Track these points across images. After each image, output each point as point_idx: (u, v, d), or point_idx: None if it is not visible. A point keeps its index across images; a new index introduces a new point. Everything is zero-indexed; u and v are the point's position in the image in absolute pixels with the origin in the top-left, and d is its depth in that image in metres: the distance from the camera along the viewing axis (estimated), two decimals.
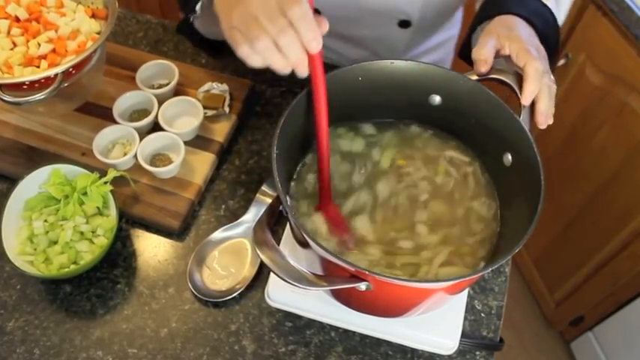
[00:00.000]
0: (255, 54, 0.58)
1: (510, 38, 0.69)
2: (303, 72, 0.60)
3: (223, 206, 0.88)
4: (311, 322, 0.78)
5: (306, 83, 0.67)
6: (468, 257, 0.69)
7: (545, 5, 0.75)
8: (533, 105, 0.68)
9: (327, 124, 0.66)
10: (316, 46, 0.58)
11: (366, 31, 0.95)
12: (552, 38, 0.76)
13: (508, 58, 0.70)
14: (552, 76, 0.69)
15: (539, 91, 0.67)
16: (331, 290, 0.68)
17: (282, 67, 0.59)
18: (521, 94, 0.67)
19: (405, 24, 0.93)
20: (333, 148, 0.74)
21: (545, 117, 0.67)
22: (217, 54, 0.90)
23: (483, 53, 0.70)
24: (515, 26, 0.71)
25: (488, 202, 0.72)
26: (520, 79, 0.68)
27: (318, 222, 0.69)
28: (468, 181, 0.74)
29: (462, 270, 0.67)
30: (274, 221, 0.84)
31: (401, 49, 1.01)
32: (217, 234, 0.83)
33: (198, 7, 0.75)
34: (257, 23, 0.57)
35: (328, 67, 0.89)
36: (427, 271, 0.67)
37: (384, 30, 0.95)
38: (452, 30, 1.08)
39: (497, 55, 0.70)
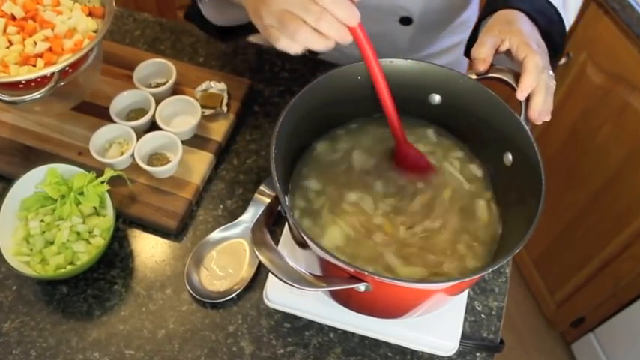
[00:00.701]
0: (296, 43, 0.58)
1: (511, 32, 0.68)
2: (347, 40, 0.60)
3: (221, 206, 0.87)
4: (310, 323, 0.78)
5: (305, 83, 0.67)
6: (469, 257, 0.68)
7: (551, 4, 0.73)
8: (528, 100, 0.66)
9: (383, 75, 0.66)
10: (355, 20, 0.59)
11: (366, 27, 0.94)
12: (557, 38, 0.74)
13: (508, 52, 0.69)
14: (552, 73, 0.68)
15: (536, 86, 0.65)
16: (330, 291, 0.68)
17: (325, 47, 0.59)
18: (517, 87, 0.66)
19: (406, 20, 0.92)
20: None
21: (538, 113, 0.66)
22: (227, 39, 0.90)
23: (482, 52, 0.69)
24: (516, 20, 0.70)
25: (488, 202, 0.72)
26: (519, 77, 0.67)
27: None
28: (468, 181, 0.73)
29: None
30: (272, 221, 0.83)
31: (404, 48, 0.99)
32: (215, 234, 0.83)
33: None
34: (291, 16, 0.57)
35: (328, 65, 0.88)
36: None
37: (385, 26, 0.94)
38: (465, 33, 1.06)
39: (497, 51, 0.69)
